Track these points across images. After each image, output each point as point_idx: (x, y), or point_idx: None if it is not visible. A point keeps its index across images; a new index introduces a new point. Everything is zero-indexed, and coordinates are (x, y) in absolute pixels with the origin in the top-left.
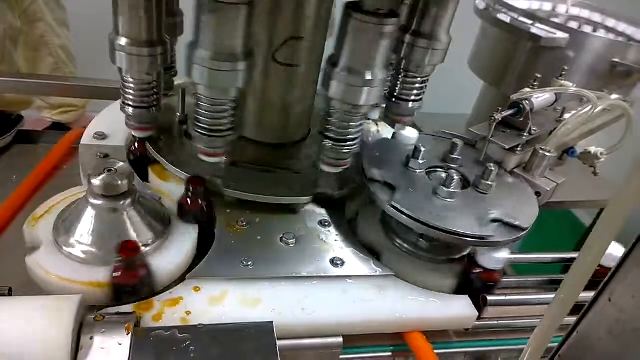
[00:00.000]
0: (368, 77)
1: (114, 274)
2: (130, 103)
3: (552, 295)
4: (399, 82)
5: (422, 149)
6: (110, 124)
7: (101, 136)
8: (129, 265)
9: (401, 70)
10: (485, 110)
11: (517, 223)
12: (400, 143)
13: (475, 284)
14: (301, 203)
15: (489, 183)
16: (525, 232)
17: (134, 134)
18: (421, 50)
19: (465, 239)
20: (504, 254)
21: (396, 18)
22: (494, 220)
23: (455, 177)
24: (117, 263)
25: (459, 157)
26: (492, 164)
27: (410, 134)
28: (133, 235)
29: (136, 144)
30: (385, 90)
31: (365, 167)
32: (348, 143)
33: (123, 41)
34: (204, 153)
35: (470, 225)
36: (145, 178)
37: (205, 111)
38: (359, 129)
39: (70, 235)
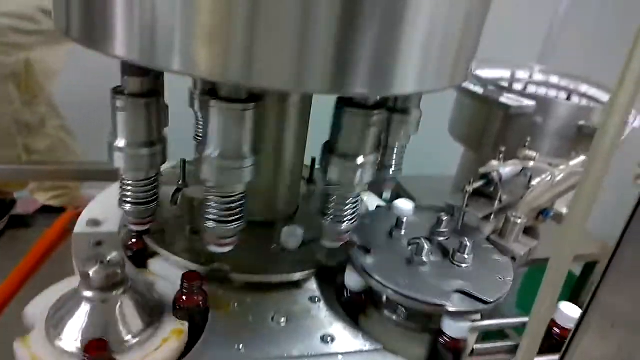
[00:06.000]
0: (360, 160)
1: None
2: (129, 200)
3: None
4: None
5: (404, 220)
6: (104, 210)
7: (95, 223)
8: None
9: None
10: (466, 174)
11: (479, 296)
12: (394, 214)
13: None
14: (304, 278)
15: (465, 256)
16: (490, 304)
17: (132, 228)
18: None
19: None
20: (466, 323)
21: (382, 108)
22: (458, 291)
23: (426, 247)
24: None
25: (446, 230)
26: (466, 239)
27: (404, 205)
28: (121, 328)
29: (133, 240)
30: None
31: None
32: (345, 221)
33: (122, 143)
34: (216, 244)
35: (431, 293)
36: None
37: (215, 203)
38: (355, 207)
39: (62, 329)
